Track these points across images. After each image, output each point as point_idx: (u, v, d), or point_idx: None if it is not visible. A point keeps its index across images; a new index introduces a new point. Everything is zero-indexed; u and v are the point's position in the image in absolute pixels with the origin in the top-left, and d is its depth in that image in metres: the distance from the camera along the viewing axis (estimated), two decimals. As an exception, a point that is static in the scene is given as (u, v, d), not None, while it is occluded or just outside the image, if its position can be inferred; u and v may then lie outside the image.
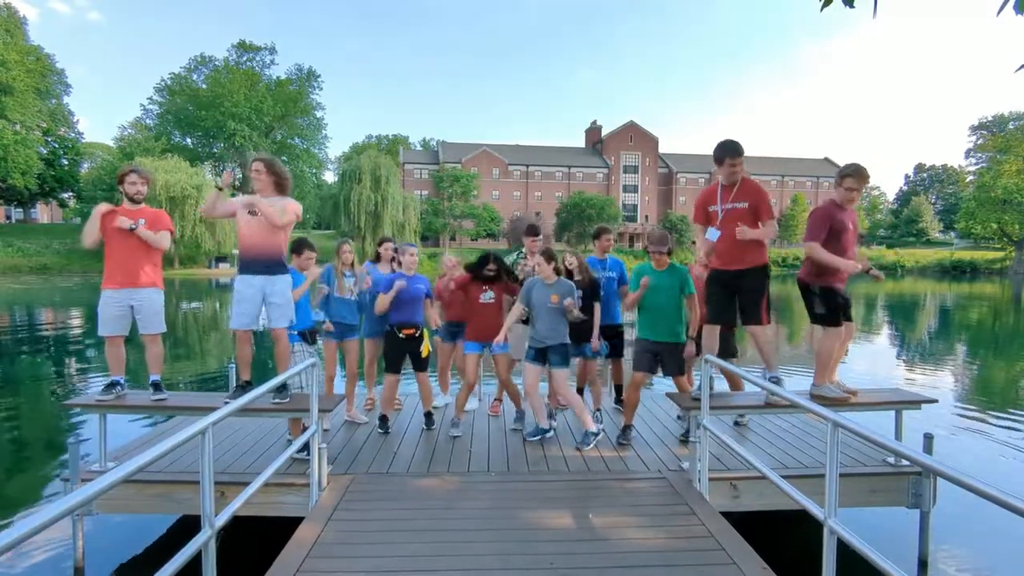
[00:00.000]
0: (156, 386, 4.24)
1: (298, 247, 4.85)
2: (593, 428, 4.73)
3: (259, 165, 4.06)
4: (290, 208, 4.04)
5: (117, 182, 4.25)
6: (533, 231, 5.51)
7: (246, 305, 4.02)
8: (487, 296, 5.05)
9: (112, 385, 4.18)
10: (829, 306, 4.08)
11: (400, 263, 5.45)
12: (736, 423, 5.23)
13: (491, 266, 5.07)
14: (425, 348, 5.11)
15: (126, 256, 4.17)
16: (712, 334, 4.36)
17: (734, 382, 5.08)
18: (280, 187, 4.10)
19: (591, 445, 4.64)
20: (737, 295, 4.20)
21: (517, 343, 5.26)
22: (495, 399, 5.75)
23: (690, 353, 4.85)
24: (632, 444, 4.78)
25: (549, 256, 4.71)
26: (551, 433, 4.93)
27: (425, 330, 5.16)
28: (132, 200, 4.22)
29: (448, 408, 5.72)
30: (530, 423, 5.12)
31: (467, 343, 5.15)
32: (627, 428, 4.90)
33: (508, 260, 5.51)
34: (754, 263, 4.13)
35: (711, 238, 4.21)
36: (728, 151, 4.11)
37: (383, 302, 4.89)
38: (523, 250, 5.59)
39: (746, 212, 4.10)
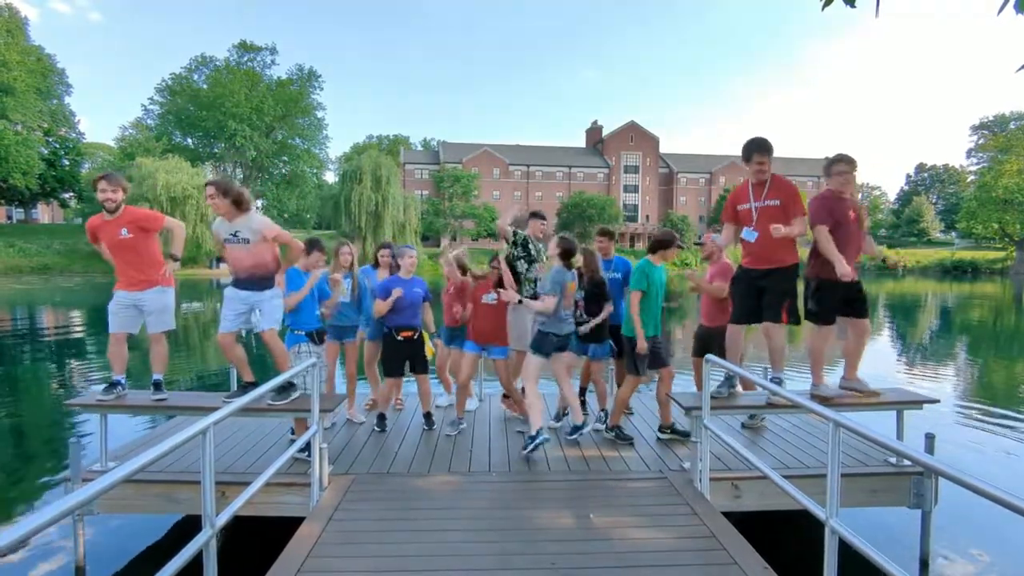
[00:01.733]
0: (157, 386, 4.25)
1: (308, 247, 4.72)
2: (532, 431, 4.38)
3: (210, 190, 3.96)
4: (268, 234, 4.01)
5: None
6: (539, 215, 5.52)
7: (229, 311, 4.09)
8: (489, 297, 5.00)
9: (113, 385, 4.19)
10: (822, 302, 4.04)
11: (399, 267, 5.49)
12: (744, 425, 5.13)
13: (495, 261, 5.07)
14: (429, 350, 5.13)
15: (127, 261, 4.20)
16: (738, 335, 4.32)
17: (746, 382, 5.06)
18: (239, 205, 4.00)
19: (529, 448, 4.34)
20: (763, 294, 4.14)
21: (520, 335, 5.26)
22: (504, 395, 5.66)
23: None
24: (633, 444, 4.77)
25: (560, 241, 4.58)
26: (587, 429, 4.73)
27: (424, 333, 5.16)
28: (105, 209, 4.14)
29: (450, 408, 5.72)
30: (566, 422, 5.06)
31: (466, 342, 5.13)
32: (617, 428, 4.87)
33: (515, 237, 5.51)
34: (783, 262, 4.08)
35: (749, 238, 4.13)
36: (756, 148, 4.06)
37: (379, 308, 4.94)
38: (527, 234, 5.57)
39: (779, 210, 4.04)
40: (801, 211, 4.04)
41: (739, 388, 4.64)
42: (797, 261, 4.12)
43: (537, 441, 4.35)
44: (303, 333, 4.55)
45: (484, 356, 5.16)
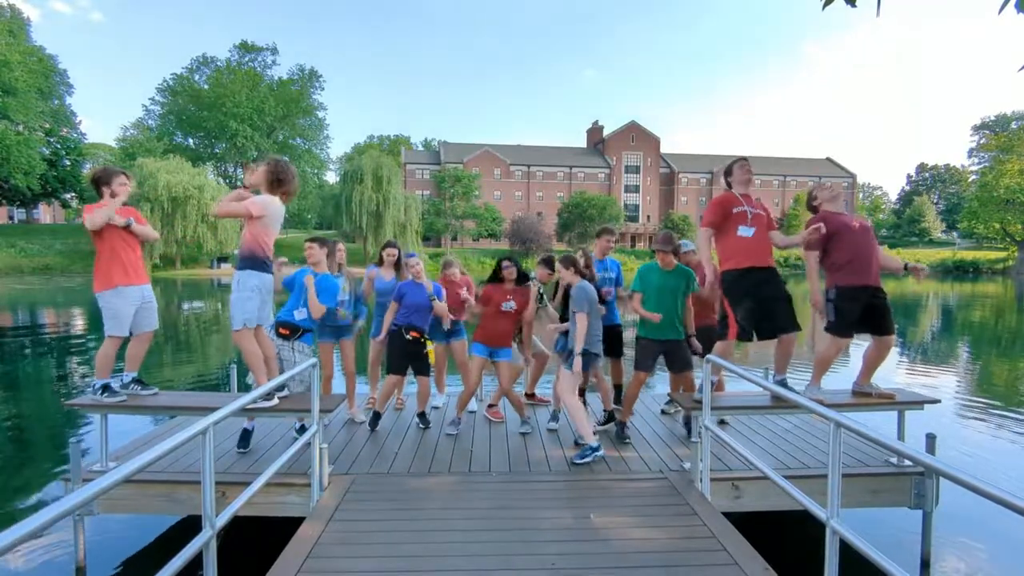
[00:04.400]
0: (139, 382, 4.26)
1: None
2: (593, 443, 4.38)
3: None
4: (253, 209, 4.01)
5: (101, 183, 4.02)
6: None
7: None
8: (508, 305, 4.99)
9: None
10: (839, 312, 4.02)
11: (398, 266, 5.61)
12: (721, 421, 5.14)
13: (506, 262, 5.06)
14: (431, 354, 5.20)
15: (135, 253, 4.16)
16: (730, 350, 4.30)
17: (719, 383, 5.08)
18: (273, 184, 4.11)
19: (588, 459, 4.31)
20: (769, 303, 4.14)
21: (548, 340, 5.26)
22: (490, 404, 5.55)
23: (697, 349, 4.92)
24: (633, 444, 4.77)
25: (565, 261, 4.69)
26: (601, 452, 4.39)
27: (427, 339, 5.21)
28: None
29: (446, 408, 5.73)
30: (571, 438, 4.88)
31: (475, 344, 5.09)
32: (623, 426, 4.89)
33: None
34: (773, 263, 4.25)
35: (746, 234, 4.19)
36: (734, 160, 4.41)
37: (391, 310, 5.15)
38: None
39: (765, 219, 4.29)
40: (774, 227, 4.39)
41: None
42: (775, 266, 4.31)
43: (597, 454, 4.35)
44: (272, 322, 4.51)
45: (492, 359, 5.11)
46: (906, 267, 4.26)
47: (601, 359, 4.74)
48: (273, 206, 4.08)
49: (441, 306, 5.17)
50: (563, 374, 4.56)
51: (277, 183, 4.11)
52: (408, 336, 5.05)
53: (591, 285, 4.57)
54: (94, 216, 3.91)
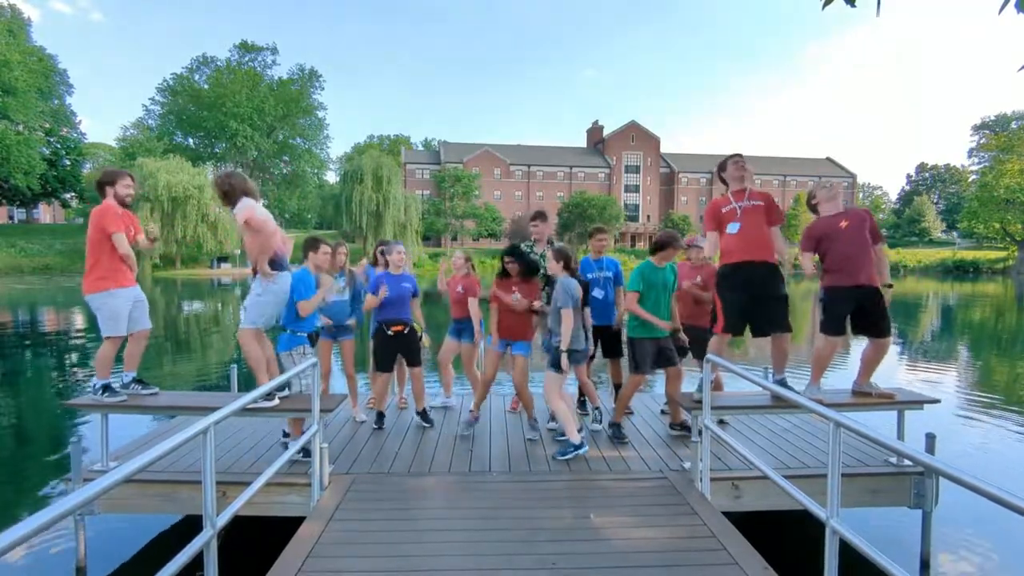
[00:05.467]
0: (140, 382, 4.26)
1: (314, 244, 4.62)
2: (576, 440, 4.43)
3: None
4: (238, 218, 4.01)
5: (105, 184, 4.07)
6: (539, 216, 5.50)
7: None
8: (514, 298, 4.88)
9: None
10: (829, 312, 4.04)
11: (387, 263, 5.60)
12: (721, 421, 5.14)
13: (507, 259, 4.96)
14: (425, 341, 5.27)
15: (131, 253, 4.17)
16: (723, 344, 4.30)
17: (716, 383, 5.08)
18: (225, 198, 4.04)
19: (569, 456, 4.38)
20: (761, 301, 4.13)
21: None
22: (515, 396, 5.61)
23: (682, 341, 4.99)
24: (633, 444, 4.78)
25: (558, 254, 4.60)
26: (584, 450, 4.46)
27: (416, 326, 5.22)
28: (123, 204, 4.14)
29: (451, 410, 5.73)
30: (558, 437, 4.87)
31: (489, 338, 5.06)
32: (617, 426, 4.90)
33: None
34: (768, 257, 4.19)
35: (732, 231, 4.20)
36: (729, 157, 4.38)
37: (369, 302, 5.10)
38: (531, 241, 5.57)
39: (762, 209, 4.22)
40: (781, 218, 4.30)
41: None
42: (776, 262, 4.23)
43: (580, 452, 4.43)
44: (304, 335, 4.38)
45: (509, 352, 4.99)
46: (886, 285, 4.18)
47: (585, 356, 4.71)
48: (256, 209, 4.07)
49: (415, 305, 5.26)
50: (548, 375, 4.53)
51: (239, 191, 4.03)
52: (390, 332, 5.06)
53: (576, 282, 4.50)
54: (126, 249, 4.01)
